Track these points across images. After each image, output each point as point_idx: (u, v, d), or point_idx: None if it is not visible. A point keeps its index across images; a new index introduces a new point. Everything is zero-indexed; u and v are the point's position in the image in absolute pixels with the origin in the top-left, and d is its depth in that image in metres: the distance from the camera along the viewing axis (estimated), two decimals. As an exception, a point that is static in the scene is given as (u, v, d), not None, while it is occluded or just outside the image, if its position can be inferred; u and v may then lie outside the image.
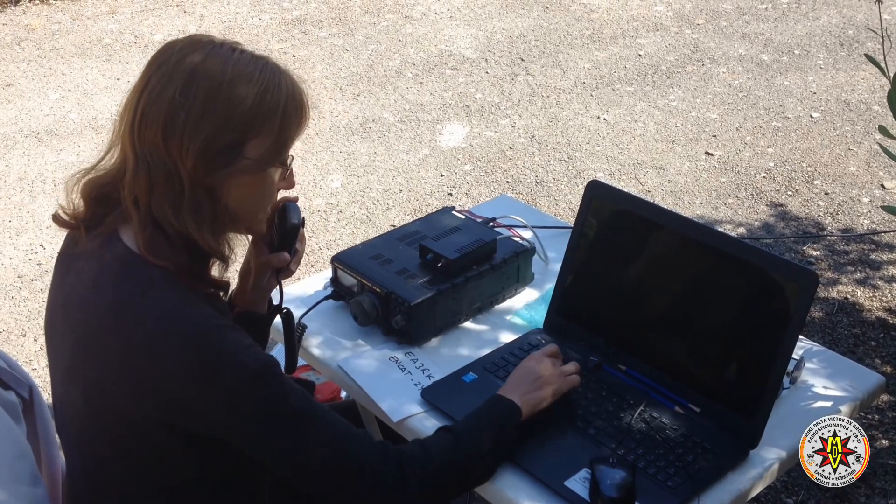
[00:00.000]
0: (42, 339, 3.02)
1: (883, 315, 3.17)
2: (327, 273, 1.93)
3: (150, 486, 1.41)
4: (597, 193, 1.71)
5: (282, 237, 1.60)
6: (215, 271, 1.42)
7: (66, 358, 1.40)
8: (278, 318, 1.69)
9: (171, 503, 1.43)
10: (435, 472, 1.40)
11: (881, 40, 5.28)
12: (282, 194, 1.52)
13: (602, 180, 1.72)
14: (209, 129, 1.30)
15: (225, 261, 1.40)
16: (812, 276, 1.46)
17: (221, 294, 1.45)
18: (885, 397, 2.75)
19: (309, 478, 1.35)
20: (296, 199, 1.61)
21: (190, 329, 1.28)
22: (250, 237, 1.59)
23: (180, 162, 1.30)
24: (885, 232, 3.61)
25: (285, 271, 1.63)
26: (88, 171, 1.39)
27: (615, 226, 1.71)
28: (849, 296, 3.27)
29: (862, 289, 3.30)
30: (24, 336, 3.07)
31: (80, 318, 1.35)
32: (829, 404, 1.61)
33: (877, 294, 3.27)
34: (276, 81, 1.35)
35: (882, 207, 2.48)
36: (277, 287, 1.65)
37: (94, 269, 1.35)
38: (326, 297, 1.83)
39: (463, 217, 1.95)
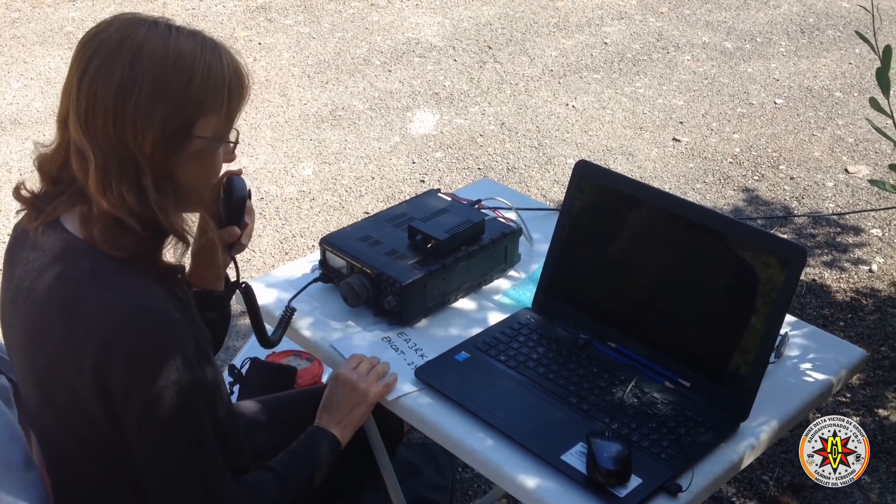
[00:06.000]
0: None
1: (850, 296, 3.23)
2: (313, 256, 1.93)
3: (115, 475, 1.40)
4: (585, 173, 1.73)
5: (229, 211, 1.56)
6: (170, 255, 1.40)
7: (20, 351, 1.39)
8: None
9: (141, 494, 1.41)
10: None
11: (841, 28, 5.38)
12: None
13: (590, 160, 1.73)
14: (162, 112, 1.27)
15: (186, 242, 1.38)
16: (800, 252, 1.49)
17: (178, 275, 1.43)
18: (856, 377, 2.81)
19: (161, 495, 1.36)
20: (239, 172, 1.58)
21: (139, 318, 1.27)
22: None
23: (137, 149, 1.27)
24: (850, 213, 3.69)
25: (237, 246, 1.60)
26: (42, 147, 1.38)
27: (603, 205, 1.73)
28: (817, 278, 3.33)
29: (829, 271, 3.37)
30: (-5, 326, 3.03)
31: (28, 309, 1.34)
32: (815, 376, 1.65)
33: (844, 276, 3.34)
34: (218, 57, 1.32)
35: (870, 181, 2.53)
36: (232, 263, 1.63)
37: (39, 259, 1.33)
38: (315, 280, 1.83)
39: (449, 199, 1.96)
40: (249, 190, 1.58)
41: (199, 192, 1.41)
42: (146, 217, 1.29)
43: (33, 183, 1.39)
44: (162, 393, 1.27)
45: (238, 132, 1.41)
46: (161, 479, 1.34)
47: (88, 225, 1.30)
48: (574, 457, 1.45)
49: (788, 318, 1.77)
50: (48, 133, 4.15)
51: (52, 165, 1.35)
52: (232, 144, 1.40)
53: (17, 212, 1.41)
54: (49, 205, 1.34)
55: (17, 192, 1.39)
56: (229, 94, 1.33)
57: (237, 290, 1.67)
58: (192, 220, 1.44)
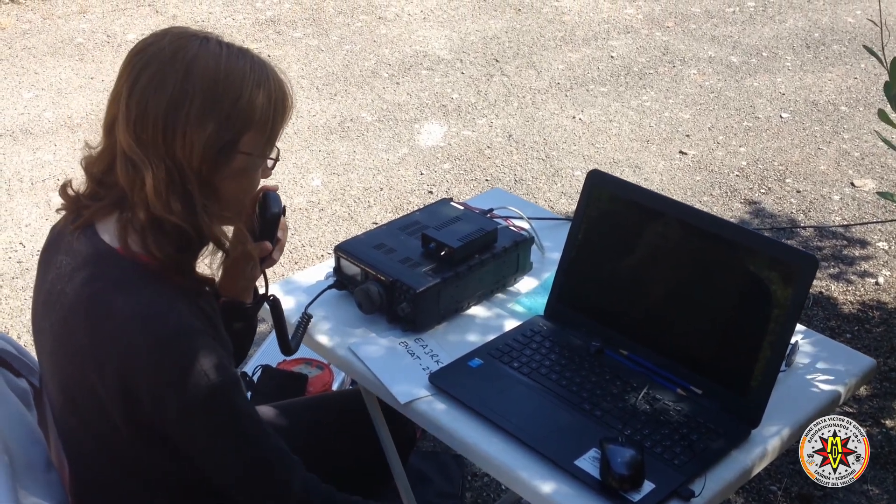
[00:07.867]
0: (26, 337, 3.00)
1: (857, 309, 3.25)
2: (327, 264, 1.95)
3: (132, 478, 1.42)
4: (597, 182, 1.75)
5: (263, 226, 1.60)
6: (205, 265, 1.43)
7: (48, 354, 1.42)
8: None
9: (156, 496, 1.44)
10: None
11: (847, 43, 5.40)
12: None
13: (600, 171, 1.76)
14: (211, 127, 1.30)
15: (226, 250, 1.42)
16: (812, 260, 1.51)
17: (207, 287, 1.45)
18: (863, 388, 2.82)
19: (238, 489, 1.39)
20: (276, 188, 1.62)
21: (160, 329, 1.29)
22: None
23: (185, 161, 1.30)
24: (856, 225, 3.70)
25: (268, 260, 1.64)
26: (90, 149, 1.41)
27: (616, 214, 1.75)
28: (823, 290, 3.34)
29: (836, 283, 3.38)
30: (7, 333, 3.04)
31: (57, 313, 1.36)
32: (825, 385, 1.67)
33: (850, 288, 3.36)
34: (266, 76, 1.36)
35: (878, 193, 2.55)
36: (263, 275, 1.66)
37: (70, 265, 1.36)
38: (330, 287, 1.85)
39: (461, 208, 1.98)
40: (284, 206, 1.62)
41: (238, 207, 1.46)
42: (189, 226, 1.32)
43: (79, 183, 1.41)
44: (196, 398, 1.29)
45: (279, 150, 1.44)
46: (227, 477, 1.39)
47: (126, 232, 1.33)
48: (588, 462, 1.47)
49: (798, 326, 1.79)
50: (60, 143, 4.19)
51: (96, 168, 1.37)
52: (272, 162, 1.43)
53: (57, 210, 1.44)
54: (88, 208, 1.37)
55: (63, 190, 1.41)
56: (274, 113, 1.37)
57: (265, 303, 1.69)
58: (227, 231, 1.47)
